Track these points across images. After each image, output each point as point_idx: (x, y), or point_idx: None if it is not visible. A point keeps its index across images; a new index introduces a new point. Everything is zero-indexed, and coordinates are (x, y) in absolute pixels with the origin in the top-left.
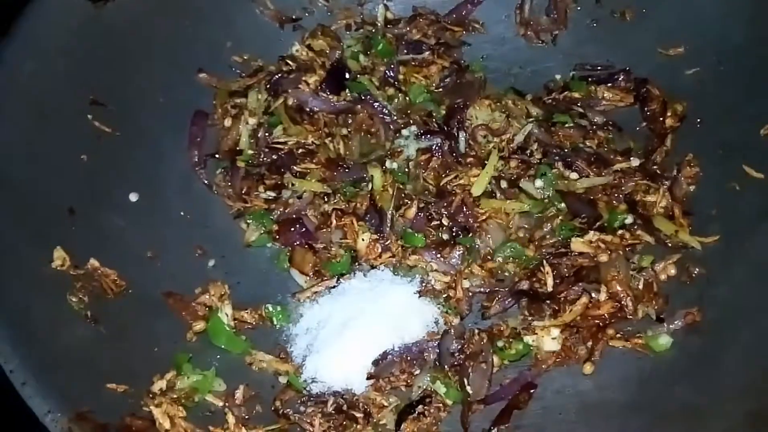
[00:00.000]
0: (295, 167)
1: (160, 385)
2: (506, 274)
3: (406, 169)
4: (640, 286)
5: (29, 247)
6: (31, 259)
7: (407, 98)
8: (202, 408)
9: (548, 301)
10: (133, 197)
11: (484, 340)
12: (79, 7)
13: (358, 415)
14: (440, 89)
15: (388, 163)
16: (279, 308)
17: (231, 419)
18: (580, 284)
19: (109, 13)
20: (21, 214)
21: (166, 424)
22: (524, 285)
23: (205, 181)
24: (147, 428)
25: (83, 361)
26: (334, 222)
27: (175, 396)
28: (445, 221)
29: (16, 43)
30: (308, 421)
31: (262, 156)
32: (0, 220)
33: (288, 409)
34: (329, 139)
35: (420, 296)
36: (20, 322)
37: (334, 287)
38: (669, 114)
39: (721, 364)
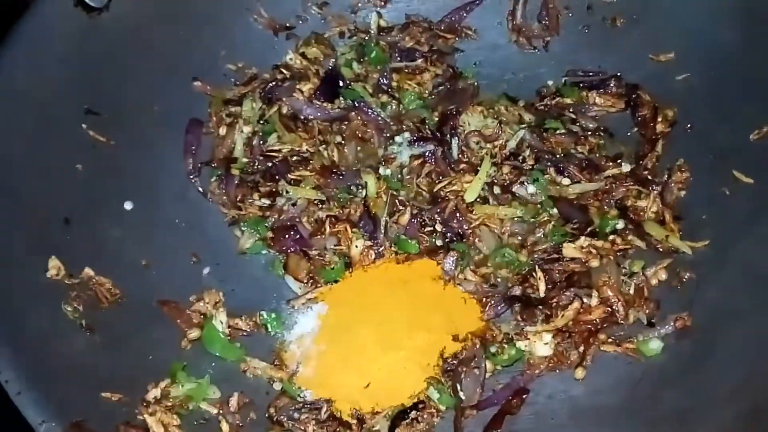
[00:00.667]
0: (289, 175)
1: (154, 393)
2: (499, 279)
3: (400, 176)
4: (631, 291)
5: (24, 256)
6: (26, 268)
7: (400, 105)
8: (197, 416)
9: (540, 307)
10: (128, 205)
11: (477, 346)
12: (74, 16)
13: (352, 421)
14: (433, 96)
15: (381, 170)
16: (274, 315)
17: (225, 427)
18: (572, 289)
19: (104, 22)
20: (16, 223)
21: None
22: (517, 290)
23: (200, 189)
24: None
25: (78, 370)
26: (329, 229)
27: (169, 404)
28: (438, 227)
29: (11, 53)
30: (302, 428)
31: (256, 164)
32: None
33: (282, 416)
34: (323, 146)
35: None
36: (15, 332)
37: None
38: (660, 119)
39: (711, 368)
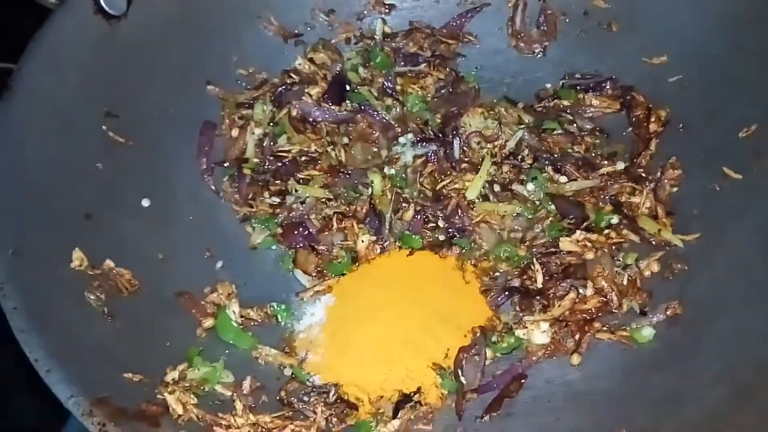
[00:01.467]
0: (298, 174)
1: (172, 375)
2: (498, 273)
3: (404, 175)
4: (625, 282)
5: (50, 249)
6: (52, 259)
7: (404, 108)
8: (212, 397)
9: (538, 297)
10: (146, 203)
11: (478, 334)
12: (94, 23)
13: (359, 403)
14: (436, 99)
15: (386, 169)
16: (283, 306)
17: (239, 406)
18: (568, 281)
19: (122, 29)
20: (43, 218)
21: (179, 410)
22: (516, 282)
23: (213, 188)
24: (161, 413)
25: (102, 353)
26: (336, 225)
27: (186, 385)
28: (441, 223)
29: (35, 59)
30: (311, 409)
31: (267, 164)
32: (24, 223)
33: (293, 399)
34: (331, 147)
35: None
36: (43, 317)
37: None
38: (653, 119)
39: (699, 354)
